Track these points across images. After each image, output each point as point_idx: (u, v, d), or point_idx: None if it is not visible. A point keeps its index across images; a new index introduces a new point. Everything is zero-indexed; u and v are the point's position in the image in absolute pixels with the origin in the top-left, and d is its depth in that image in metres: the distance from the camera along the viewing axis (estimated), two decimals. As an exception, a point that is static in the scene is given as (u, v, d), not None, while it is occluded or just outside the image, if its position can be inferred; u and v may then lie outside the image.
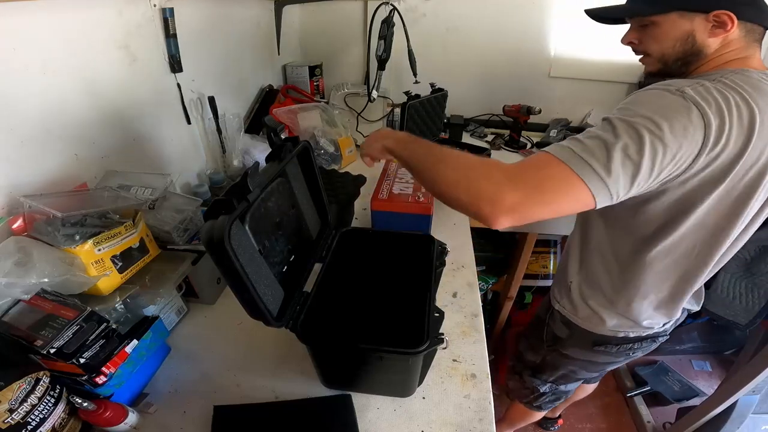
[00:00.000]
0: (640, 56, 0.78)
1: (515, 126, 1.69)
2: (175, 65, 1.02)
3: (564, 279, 0.92)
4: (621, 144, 0.54)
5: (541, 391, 1.15)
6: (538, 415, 1.38)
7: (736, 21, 0.63)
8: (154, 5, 0.93)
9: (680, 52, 0.70)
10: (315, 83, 1.73)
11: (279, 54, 1.64)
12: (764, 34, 0.68)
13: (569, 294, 0.91)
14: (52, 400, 0.56)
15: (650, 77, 0.77)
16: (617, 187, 0.55)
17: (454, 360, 0.75)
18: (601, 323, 0.86)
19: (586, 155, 0.55)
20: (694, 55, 0.69)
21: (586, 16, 0.84)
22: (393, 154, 0.76)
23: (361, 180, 1.20)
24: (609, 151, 0.54)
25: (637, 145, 0.54)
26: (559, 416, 1.64)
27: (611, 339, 0.89)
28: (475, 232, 1.15)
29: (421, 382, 0.69)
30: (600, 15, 0.81)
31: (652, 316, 0.83)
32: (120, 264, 0.68)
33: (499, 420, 1.56)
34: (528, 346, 1.12)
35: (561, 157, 0.56)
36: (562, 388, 1.13)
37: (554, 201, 0.56)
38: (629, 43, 0.78)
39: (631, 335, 0.87)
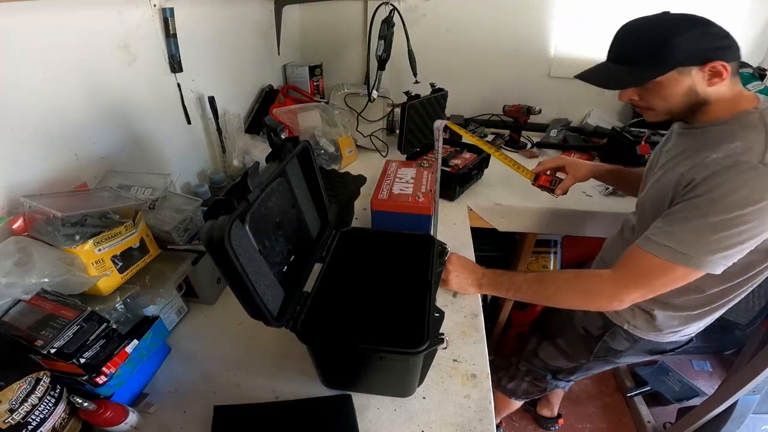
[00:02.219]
0: (641, 109, 0.78)
1: (515, 126, 1.69)
2: (175, 65, 1.02)
3: (638, 307, 0.88)
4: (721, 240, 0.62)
5: (554, 386, 1.16)
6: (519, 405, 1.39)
7: (729, 68, 0.66)
8: (154, 5, 0.93)
9: (686, 104, 0.72)
10: (315, 83, 1.73)
11: (279, 54, 1.64)
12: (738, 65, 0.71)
13: (649, 318, 0.88)
14: (53, 400, 0.55)
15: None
16: (726, 265, 0.65)
17: (454, 360, 0.75)
18: (673, 335, 0.88)
19: (683, 247, 0.65)
20: (699, 104, 0.72)
21: (580, 80, 0.78)
22: (493, 294, 0.89)
23: (361, 180, 1.20)
24: (708, 243, 0.63)
25: (737, 238, 0.62)
26: (560, 416, 1.64)
27: (672, 345, 0.90)
28: (475, 232, 1.15)
29: (421, 382, 0.69)
30: (596, 82, 0.75)
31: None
32: (120, 264, 0.68)
33: None
34: (560, 355, 1.09)
35: (662, 255, 0.67)
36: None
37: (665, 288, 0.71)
38: (629, 101, 0.77)
39: (684, 340, 0.90)
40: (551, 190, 1.10)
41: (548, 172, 1.13)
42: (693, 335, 0.92)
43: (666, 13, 0.69)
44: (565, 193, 1.10)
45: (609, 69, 0.74)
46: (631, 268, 0.72)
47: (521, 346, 1.25)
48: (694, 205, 0.65)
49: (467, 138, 1.16)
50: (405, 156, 1.42)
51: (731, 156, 0.64)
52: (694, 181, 0.66)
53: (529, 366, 1.19)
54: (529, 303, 1.86)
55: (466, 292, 0.88)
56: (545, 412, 1.63)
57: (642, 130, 1.43)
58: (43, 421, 0.54)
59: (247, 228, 0.56)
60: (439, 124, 0.82)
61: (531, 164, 1.55)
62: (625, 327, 0.91)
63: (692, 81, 0.69)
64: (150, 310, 0.71)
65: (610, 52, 0.75)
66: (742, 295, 0.80)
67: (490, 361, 0.76)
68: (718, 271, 0.65)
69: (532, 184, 1.13)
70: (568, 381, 1.17)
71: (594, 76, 0.76)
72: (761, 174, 0.61)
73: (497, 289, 0.86)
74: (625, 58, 0.72)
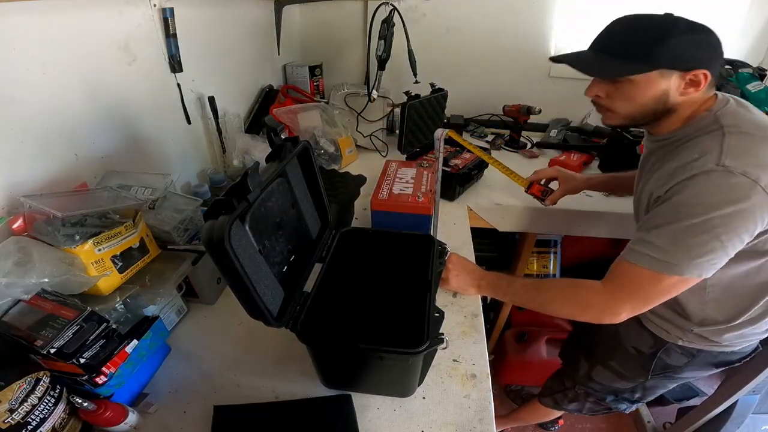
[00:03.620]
0: (602, 109, 0.76)
1: (515, 126, 1.69)
2: (175, 65, 1.02)
3: (686, 320, 0.84)
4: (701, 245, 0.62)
5: (617, 408, 1.11)
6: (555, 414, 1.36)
7: (709, 79, 0.65)
8: (154, 5, 0.93)
9: (651, 111, 0.71)
10: (315, 83, 1.73)
11: (279, 54, 1.64)
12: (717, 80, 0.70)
13: (699, 331, 0.84)
14: (52, 400, 0.55)
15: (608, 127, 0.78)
16: (714, 268, 0.64)
17: (454, 360, 0.75)
18: (738, 346, 0.85)
19: (663, 255, 0.64)
20: (663, 113, 0.71)
21: (552, 62, 0.78)
22: (491, 296, 0.88)
23: (361, 180, 1.20)
24: (690, 250, 0.62)
25: (716, 242, 0.61)
26: (560, 416, 1.64)
27: (738, 356, 0.87)
28: (475, 232, 1.15)
29: (421, 382, 0.69)
30: (573, 64, 0.72)
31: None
32: (120, 264, 0.68)
33: (506, 417, 1.56)
34: (616, 376, 1.02)
35: (645, 265, 0.66)
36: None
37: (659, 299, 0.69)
38: (595, 97, 0.75)
39: (749, 350, 0.87)
40: (542, 200, 1.14)
41: (542, 182, 1.15)
42: (756, 342, 0.87)
43: (669, 15, 0.68)
44: (554, 203, 1.13)
45: (591, 57, 0.72)
46: (620, 280, 0.71)
47: (569, 370, 1.18)
48: (664, 212, 0.65)
49: (466, 146, 1.16)
50: (405, 156, 1.42)
51: (690, 166, 0.64)
52: (662, 192, 0.67)
53: (587, 389, 1.12)
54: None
55: (466, 292, 0.88)
56: None
57: (642, 129, 1.43)
58: (42, 421, 0.54)
59: (247, 228, 0.56)
60: (439, 133, 0.82)
61: (531, 164, 1.58)
62: (679, 343, 0.86)
63: (668, 86, 0.67)
64: (150, 310, 0.71)
65: (597, 41, 0.72)
66: None
67: (491, 362, 0.76)
68: (708, 274, 0.64)
69: (525, 191, 1.16)
70: (633, 403, 1.08)
71: (574, 59, 0.73)
72: (720, 176, 0.60)
73: (495, 291, 0.86)
74: (611, 49, 0.70)
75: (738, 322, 0.79)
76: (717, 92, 0.73)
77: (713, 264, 0.64)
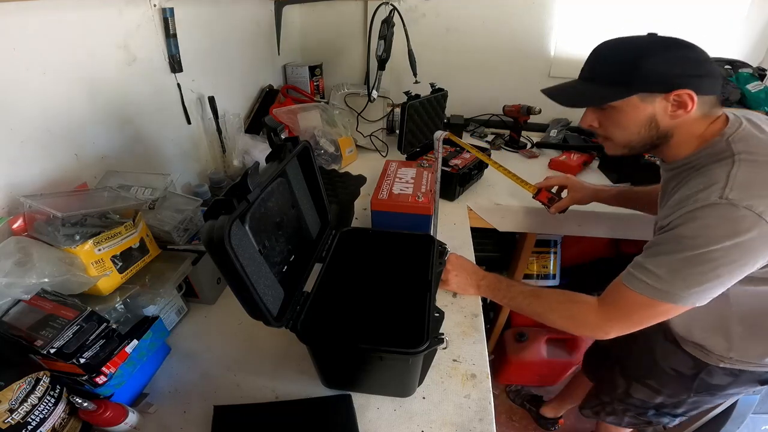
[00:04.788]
0: (601, 139, 0.76)
1: (515, 126, 1.69)
2: (175, 65, 1.02)
3: (724, 342, 0.82)
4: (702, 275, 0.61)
5: (659, 422, 1.09)
6: None
7: (696, 99, 0.63)
8: (154, 5, 0.93)
9: (646, 138, 0.70)
10: (315, 83, 1.73)
11: (279, 54, 1.64)
12: (719, 99, 0.67)
13: (739, 356, 0.82)
14: (52, 400, 0.56)
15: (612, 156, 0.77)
16: (709, 297, 0.63)
17: (454, 360, 0.75)
18: None
19: (660, 283, 0.64)
20: (660, 138, 0.69)
21: (545, 95, 0.77)
22: (489, 298, 0.87)
23: (361, 180, 1.20)
24: (687, 280, 0.62)
25: (717, 272, 0.60)
26: (560, 416, 1.64)
27: None
28: (475, 232, 1.15)
29: (421, 382, 0.69)
30: (553, 98, 0.73)
31: None
32: (120, 264, 0.69)
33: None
34: (656, 393, 0.99)
35: (640, 291, 0.66)
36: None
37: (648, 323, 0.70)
38: (589, 126, 0.75)
39: None
40: (548, 207, 1.13)
41: (554, 189, 1.13)
42: None
43: (651, 35, 0.66)
44: (560, 212, 1.12)
45: (575, 86, 0.72)
46: (615, 301, 0.71)
47: (605, 387, 1.14)
48: (666, 241, 0.65)
49: (469, 149, 1.16)
50: (405, 156, 1.42)
51: (695, 198, 0.62)
52: (666, 222, 0.66)
53: (626, 406, 1.08)
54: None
55: (465, 292, 0.88)
56: (548, 413, 1.62)
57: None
58: (42, 421, 0.54)
59: (247, 228, 0.57)
60: (438, 135, 0.82)
61: (531, 164, 1.58)
62: (721, 365, 0.84)
63: (654, 110, 0.65)
64: (150, 310, 0.71)
65: (583, 69, 0.72)
66: None
67: (491, 362, 0.76)
68: (701, 303, 0.64)
69: (533, 197, 1.15)
70: (676, 417, 1.03)
71: (557, 92, 0.73)
72: (724, 209, 0.59)
73: (494, 293, 0.86)
74: (594, 76, 0.69)
75: None
76: (731, 112, 0.70)
77: (709, 294, 0.63)
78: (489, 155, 1.36)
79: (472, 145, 1.17)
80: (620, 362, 1.07)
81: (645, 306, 0.67)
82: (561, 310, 0.78)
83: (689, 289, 0.62)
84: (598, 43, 0.70)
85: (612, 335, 0.72)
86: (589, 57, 0.71)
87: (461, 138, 1.70)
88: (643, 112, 0.66)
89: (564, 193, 1.13)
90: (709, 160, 0.65)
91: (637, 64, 0.63)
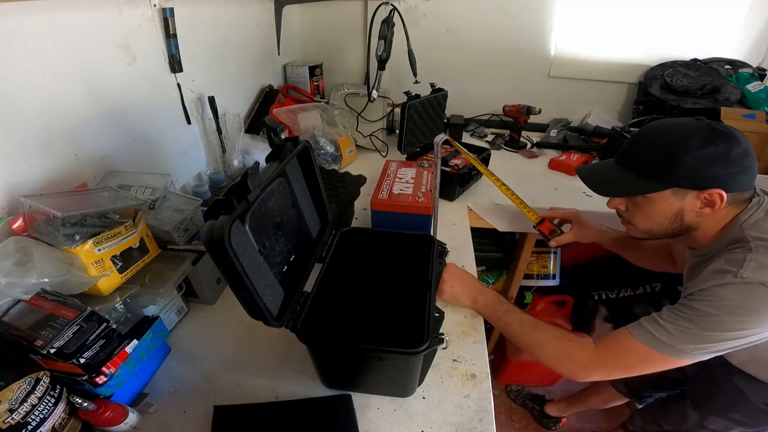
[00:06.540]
0: (623, 221, 0.77)
1: (515, 126, 1.69)
2: (175, 65, 1.02)
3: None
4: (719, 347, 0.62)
5: None
6: None
7: (726, 198, 0.63)
8: (154, 5, 0.93)
9: (668, 229, 0.71)
10: (315, 83, 1.73)
11: (279, 54, 1.64)
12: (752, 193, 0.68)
13: None
14: (52, 400, 0.55)
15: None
16: (702, 358, 0.64)
17: (454, 360, 0.75)
18: None
19: (667, 338, 0.64)
20: (682, 230, 0.70)
21: (578, 176, 0.78)
22: (482, 315, 0.84)
23: (361, 180, 1.20)
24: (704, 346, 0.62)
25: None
26: (563, 416, 1.63)
27: None
28: (475, 232, 1.15)
29: (421, 382, 0.69)
30: (587, 183, 0.75)
31: None
32: (120, 264, 0.68)
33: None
34: (737, 425, 0.97)
35: (644, 341, 0.66)
36: None
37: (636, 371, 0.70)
38: (615, 209, 0.75)
39: None
40: (548, 239, 1.09)
41: (555, 221, 1.11)
42: None
43: (698, 120, 0.65)
44: (559, 246, 1.10)
45: (609, 171, 0.73)
46: (612, 346, 0.72)
47: (670, 417, 1.10)
48: (682, 308, 0.66)
49: (471, 160, 1.15)
50: (405, 156, 1.42)
51: (712, 277, 0.64)
52: (684, 295, 0.67)
53: (658, 427, 1.09)
54: (525, 306, 1.87)
55: (459, 303, 0.85)
56: (553, 412, 1.62)
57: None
58: (42, 421, 0.54)
59: (247, 228, 0.56)
60: (438, 138, 0.82)
61: (531, 164, 1.58)
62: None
63: (683, 205, 0.66)
64: (150, 310, 0.71)
65: (621, 151, 0.72)
66: None
67: (491, 361, 0.75)
68: (695, 360, 0.65)
69: (534, 227, 1.11)
70: None
71: (591, 176, 0.74)
72: (740, 288, 0.60)
73: (490, 313, 0.83)
74: (630, 163, 0.70)
75: None
76: (759, 187, 0.70)
77: (707, 355, 0.64)
78: (489, 155, 1.37)
79: (475, 158, 1.14)
80: (694, 398, 1.04)
81: (639, 353, 0.67)
82: (556, 345, 0.76)
83: (696, 347, 0.63)
84: (645, 125, 0.69)
85: (592, 379, 0.73)
86: (630, 139, 0.71)
87: (461, 138, 1.71)
88: (672, 207, 0.67)
89: (566, 227, 1.10)
90: (727, 248, 0.66)
91: (677, 160, 0.63)
